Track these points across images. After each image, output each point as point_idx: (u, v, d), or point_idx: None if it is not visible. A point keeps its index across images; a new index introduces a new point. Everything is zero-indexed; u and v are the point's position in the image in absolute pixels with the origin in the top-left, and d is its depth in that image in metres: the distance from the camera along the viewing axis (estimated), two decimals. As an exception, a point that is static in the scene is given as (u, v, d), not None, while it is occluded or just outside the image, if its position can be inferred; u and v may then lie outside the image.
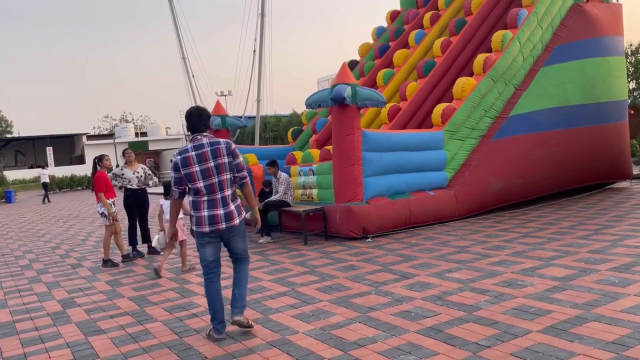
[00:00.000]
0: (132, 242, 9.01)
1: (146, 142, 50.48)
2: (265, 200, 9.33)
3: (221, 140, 4.42)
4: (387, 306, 4.98)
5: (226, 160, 4.36)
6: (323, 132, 13.10)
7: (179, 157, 4.36)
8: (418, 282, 5.75)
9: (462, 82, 10.13)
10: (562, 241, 7.16)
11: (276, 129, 39.60)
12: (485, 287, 5.31)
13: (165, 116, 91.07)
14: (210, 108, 12.56)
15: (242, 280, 4.62)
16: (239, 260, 4.63)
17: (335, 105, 8.69)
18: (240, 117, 16.55)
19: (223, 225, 4.35)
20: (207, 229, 4.35)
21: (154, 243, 8.21)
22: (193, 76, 35.62)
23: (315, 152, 9.91)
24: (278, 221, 10.07)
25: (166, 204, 7.51)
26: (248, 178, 4.55)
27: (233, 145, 4.46)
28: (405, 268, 6.42)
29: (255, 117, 29.31)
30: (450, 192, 9.67)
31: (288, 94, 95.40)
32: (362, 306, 5.04)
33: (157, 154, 49.87)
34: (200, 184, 4.32)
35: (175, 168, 4.40)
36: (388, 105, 10.96)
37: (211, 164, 4.32)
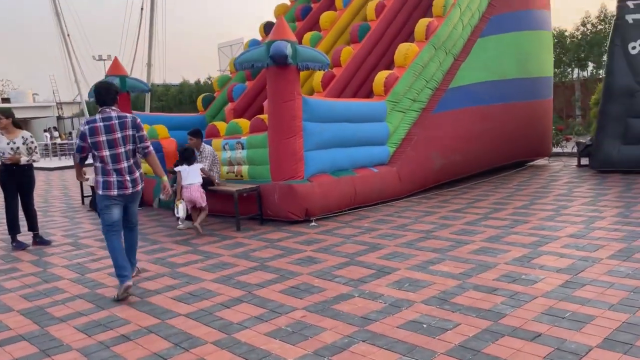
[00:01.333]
0: (12, 229, 7.10)
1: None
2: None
3: (128, 114, 4.83)
4: (384, 314, 3.93)
5: (131, 132, 4.75)
6: (241, 100, 11.68)
7: (86, 127, 4.70)
8: (403, 278, 4.76)
9: (405, 48, 9.24)
10: (529, 224, 6.58)
11: (163, 99, 36.66)
12: (489, 284, 4.45)
13: (32, 82, 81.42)
14: (89, 75, 10.66)
15: (134, 246, 5.14)
16: (133, 227, 5.06)
17: (273, 65, 7.37)
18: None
19: (130, 190, 4.77)
20: (115, 192, 4.70)
21: (180, 213, 7.27)
22: (68, 35, 31.51)
23: (245, 123, 8.51)
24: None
25: (186, 170, 7.30)
26: (151, 147, 4.93)
27: (138, 120, 4.87)
28: (377, 260, 5.41)
29: (143, 84, 26.50)
30: (393, 169, 8.82)
31: (184, 61, 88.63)
32: (354, 316, 3.94)
33: (24, 122, 44.37)
34: (106, 153, 4.67)
35: (82, 137, 4.72)
36: (321, 72, 9.80)
37: (118, 135, 4.69)
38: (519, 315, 3.75)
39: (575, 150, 11.90)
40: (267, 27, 13.76)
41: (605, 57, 10.93)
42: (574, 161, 12.90)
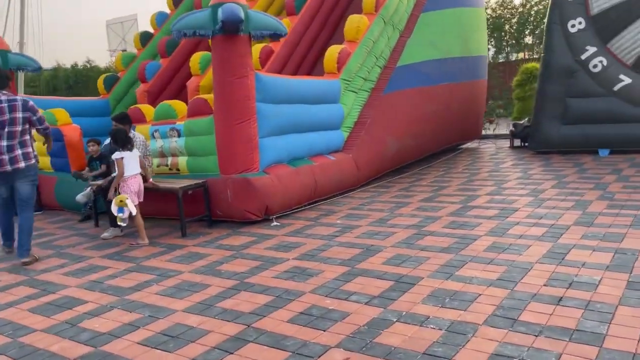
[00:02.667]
0: None
1: None
2: (113, 175, 6.26)
3: (18, 97, 5.24)
4: (448, 344, 2.98)
5: (20, 115, 5.16)
6: (156, 80, 10.04)
7: None
8: (438, 290, 3.84)
9: (356, 20, 8.29)
10: (522, 211, 5.98)
11: (34, 84, 32.46)
12: (551, 293, 3.67)
13: None
14: None
15: (26, 226, 5.27)
16: (24, 206, 5.27)
17: (221, 33, 6.05)
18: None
19: (9, 168, 5.11)
20: None
21: (124, 214, 5.73)
22: None
23: (180, 105, 7.04)
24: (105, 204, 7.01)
25: (129, 156, 5.90)
26: (50, 128, 5.61)
27: (30, 102, 5.29)
28: (386, 267, 4.43)
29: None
30: (349, 155, 7.87)
31: (65, 41, 77.92)
32: (415, 354, 2.94)
33: None
34: None
35: None
36: (259, 46, 8.57)
37: (6, 117, 5.07)
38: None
39: (511, 131, 11.77)
40: (174, -1, 12.15)
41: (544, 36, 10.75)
42: (503, 143, 12.86)
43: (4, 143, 5.09)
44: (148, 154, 6.49)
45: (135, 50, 11.71)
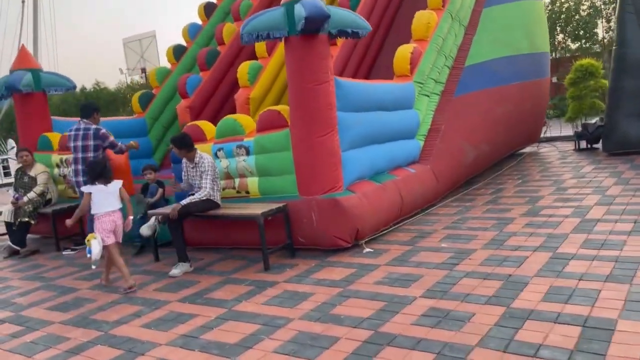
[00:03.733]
0: None
1: None
2: (184, 202, 5.44)
3: (92, 126, 6.41)
4: None
5: (92, 143, 6.38)
6: (198, 94, 9.27)
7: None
8: (651, 338, 2.96)
9: (426, 17, 7.49)
10: (663, 223, 5.10)
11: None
12: None
13: None
14: None
15: None
16: None
17: (299, 33, 5.25)
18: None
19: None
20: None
21: (94, 253, 4.96)
22: None
23: (246, 119, 6.22)
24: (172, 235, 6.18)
25: (102, 191, 5.26)
26: (119, 147, 6.63)
27: (102, 131, 6.44)
28: (547, 304, 3.56)
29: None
30: (427, 167, 7.02)
31: (81, 60, 77.51)
32: None
33: None
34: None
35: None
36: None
37: (79, 143, 6.39)
38: None
39: (576, 132, 10.88)
40: (208, 8, 11.45)
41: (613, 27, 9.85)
42: (564, 145, 11.97)
43: (73, 167, 6.50)
44: (217, 177, 5.67)
45: (169, 65, 10.97)
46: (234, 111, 10.10)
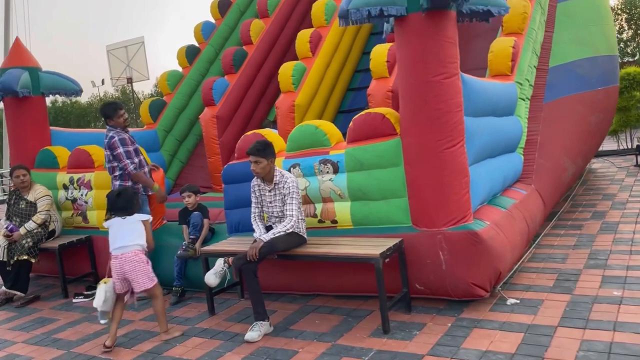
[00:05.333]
0: None
1: None
2: (266, 238, 3.97)
3: (110, 133, 5.14)
4: None
5: (107, 152, 5.15)
6: (226, 101, 7.82)
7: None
8: None
9: (522, 5, 6.23)
10: None
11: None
12: None
13: None
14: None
15: None
16: None
17: (421, 10, 3.88)
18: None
19: None
20: None
21: (98, 302, 4.09)
22: None
23: (329, 126, 4.77)
24: (238, 277, 4.69)
25: (118, 225, 4.19)
26: (129, 167, 5.08)
27: (114, 139, 5.07)
28: None
29: None
30: (531, 186, 5.70)
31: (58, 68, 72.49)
32: None
33: None
34: None
35: None
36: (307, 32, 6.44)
37: (106, 152, 5.19)
38: None
39: (638, 146, 9.79)
40: (222, 5, 10.07)
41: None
42: (618, 161, 10.87)
43: (111, 175, 5.29)
44: (295, 197, 4.22)
45: (180, 69, 9.46)
46: (262, 119, 8.69)
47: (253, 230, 4.31)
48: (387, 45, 6.44)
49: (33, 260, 5.63)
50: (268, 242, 3.92)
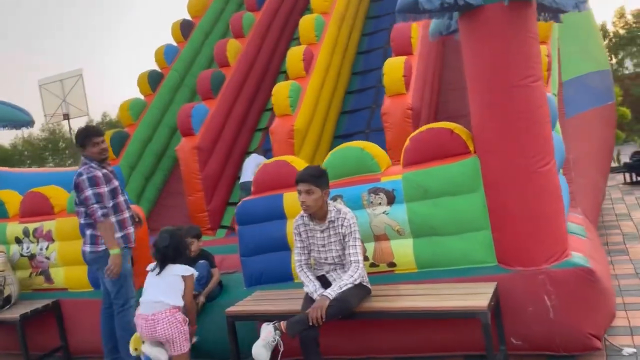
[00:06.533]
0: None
1: None
2: (330, 295, 3.02)
3: (81, 168, 4.02)
4: None
5: (74, 193, 4.10)
6: (207, 130, 6.82)
7: None
8: None
9: (546, 12, 5.68)
10: None
11: None
12: None
13: None
14: None
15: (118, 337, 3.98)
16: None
17: (504, 1, 3.16)
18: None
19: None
20: None
21: None
22: None
23: (376, 149, 3.89)
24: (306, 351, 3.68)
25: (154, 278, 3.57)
26: (98, 212, 3.83)
27: (81, 177, 3.93)
28: None
29: None
30: (577, 208, 5.07)
31: None
32: None
33: None
34: None
35: None
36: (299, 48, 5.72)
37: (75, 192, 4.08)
38: None
39: (630, 162, 9.57)
40: (185, 27, 9.15)
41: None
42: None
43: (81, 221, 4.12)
44: (358, 237, 3.31)
45: (141, 97, 8.36)
46: (245, 149, 7.74)
47: (277, 281, 3.43)
48: (401, 58, 5.74)
49: (-15, 338, 4.35)
50: (339, 299, 2.98)
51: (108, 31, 73.11)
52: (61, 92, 19.12)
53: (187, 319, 3.52)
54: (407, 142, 3.70)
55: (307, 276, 3.30)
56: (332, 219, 3.26)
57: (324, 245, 3.30)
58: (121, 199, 4.13)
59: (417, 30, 6.34)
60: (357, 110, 7.44)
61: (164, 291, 3.40)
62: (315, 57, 6.85)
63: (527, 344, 3.28)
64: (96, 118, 34.39)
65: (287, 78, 8.58)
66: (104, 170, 4.08)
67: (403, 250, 3.62)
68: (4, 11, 63.99)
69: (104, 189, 3.97)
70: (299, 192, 3.23)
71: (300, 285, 3.87)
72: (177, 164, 8.16)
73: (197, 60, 8.94)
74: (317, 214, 3.26)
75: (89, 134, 4.07)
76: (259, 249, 4.06)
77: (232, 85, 7.44)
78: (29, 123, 5.81)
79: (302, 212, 3.40)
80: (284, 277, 4.00)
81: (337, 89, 7.47)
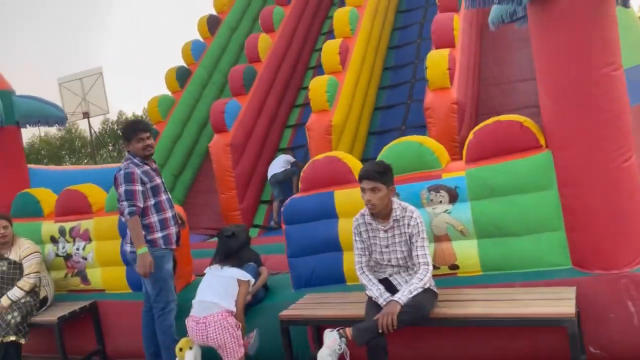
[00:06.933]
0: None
1: None
2: (401, 301, 2.82)
3: (124, 163, 3.82)
4: None
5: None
6: (239, 126, 6.65)
7: None
8: None
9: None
10: None
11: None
12: None
13: None
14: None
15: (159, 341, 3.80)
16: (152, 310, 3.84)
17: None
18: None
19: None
20: None
21: None
22: None
23: (434, 143, 3.68)
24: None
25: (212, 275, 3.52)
26: (123, 211, 3.64)
27: (120, 172, 3.72)
28: None
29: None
30: None
31: None
32: None
33: None
34: None
35: None
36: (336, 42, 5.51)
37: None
38: None
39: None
40: (212, 23, 8.99)
41: None
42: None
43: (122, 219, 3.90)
44: (425, 237, 3.10)
45: (169, 94, 8.22)
46: (276, 146, 7.56)
47: (328, 283, 3.24)
48: (445, 50, 5.50)
49: (23, 341, 4.19)
50: (412, 305, 2.77)
51: (128, 28, 73.29)
52: (81, 91, 19.13)
53: (240, 324, 3.35)
54: (471, 136, 3.47)
55: (370, 279, 3.09)
56: (397, 217, 3.05)
57: (387, 246, 3.09)
58: (164, 197, 3.95)
59: (459, 22, 6.10)
60: (392, 106, 7.22)
61: (218, 293, 3.24)
62: (351, 50, 6.64)
63: (608, 353, 3.04)
64: (112, 117, 34.40)
65: (315, 74, 8.43)
66: (146, 167, 3.91)
67: (467, 251, 3.40)
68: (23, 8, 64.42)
69: (138, 187, 3.76)
70: (363, 190, 3.02)
71: (353, 287, 3.70)
72: (206, 162, 8.04)
73: (224, 57, 8.79)
74: (381, 213, 3.05)
75: (136, 129, 3.89)
76: (308, 249, 3.86)
77: (263, 81, 7.27)
78: (62, 120, 5.67)
79: (362, 210, 3.19)
80: (335, 279, 3.80)
81: (371, 84, 7.26)
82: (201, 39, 8.97)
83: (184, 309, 3.70)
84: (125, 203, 3.67)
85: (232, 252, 3.36)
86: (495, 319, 2.87)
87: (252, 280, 3.45)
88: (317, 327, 3.54)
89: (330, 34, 8.83)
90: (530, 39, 6.92)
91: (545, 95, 3.20)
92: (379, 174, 2.96)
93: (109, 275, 4.66)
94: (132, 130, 3.89)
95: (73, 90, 19.28)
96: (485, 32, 7.30)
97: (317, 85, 5.99)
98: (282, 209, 3.99)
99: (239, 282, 3.29)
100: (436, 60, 5.43)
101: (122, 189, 3.70)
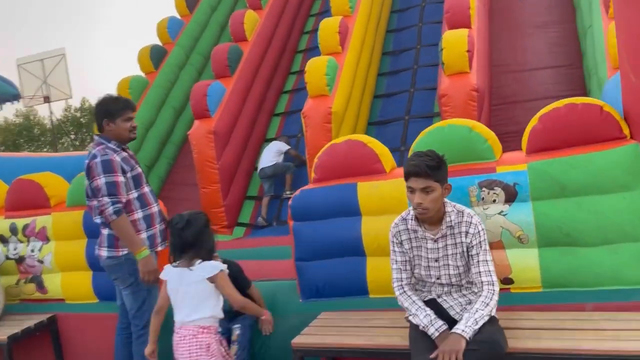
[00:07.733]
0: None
1: None
2: (466, 334, 2.14)
3: (93, 151, 3.05)
4: None
5: (87, 182, 3.10)
6: (224, 112, 5.89)
7: None
8: None
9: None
10: None
11: None
12: None
13: None
14: None
15: None
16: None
17: None
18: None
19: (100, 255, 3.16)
20: None
21: None
22: None
23: (486, 130, 3.02)
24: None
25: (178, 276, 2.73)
26: (107, 209, 2.93)
27: (93, 161, 3.00)
28: None
29: None
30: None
31: None
32: None
33: None
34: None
35: None
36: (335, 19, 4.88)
37: (86, 182, 3.14)
38: None
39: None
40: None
41: None
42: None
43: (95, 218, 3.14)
44: (488, 249, 2.45)
45: (143, 75, 7.36)
46: (263, 136, 6.83)
47: (346, 295, 2.71)
48: (464, 31, 4.87)
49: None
50: (483, 341, 2.11)
51: (92, 8, 70.01)
52: (41, 73, 17.76)
53: (224, 340, 2.70)
54: (535, 121, 2.82)
55: (413, 301, 2.42)
56: (452, 223, 2.38)
57: (436, 260, 2.42)
58: (146, 189, 3.20)
59: (475, 2, 5.49)
60: (392, 94, 6.57)
61: (190, 300, 2.61)
62: (351, 30, 5.96)
63: None
64: (75, 103, 32.66)
65: (304, 57, 7.71)
66: (124, 154, 3.14)
67: (525, 262, 2.76)
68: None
69: (121, 178, 3.03)
70: (411, 190, 2.33)
71: (378, 302, 3.03)
72: (182, 152, 7.25)
73: (203, 36, 7.99)
74: (432, 218, 2.38)
75: (126, 105, 3.13)
76: (322, 252, 3.16)
77: (250, 62, 6.51)
78: (16, 96, 4.80)
79: (403, 213, 2.52)
80: (355, 289, 3.11)
81: (370, 70, 6.59)
82: (178, 16, 8.15)
83: (167, 327, 2.95)
84: (106, 199, 2.95)
85: (190, 244, 2.65)
86: (581, 356, 2.23)
87: (225, 267, 2.71)
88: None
89: (321, 15, 8.13)
90: (541, 26, 6.36)
91: (634, 75, 2.58)
92: (432, 170, 2.28)
93: (70, 281, 3.87)
94: (122, 106, 3.13)
95: (33, 73, 17.89)
96: (494, 15, 6.72)
97: (315, 67, 5.27)
98: (290, 203, 3.27)
99: (211, 279, 2.60)
100: (453, 41, 4.79)
101: (100, 180, 2.98)
